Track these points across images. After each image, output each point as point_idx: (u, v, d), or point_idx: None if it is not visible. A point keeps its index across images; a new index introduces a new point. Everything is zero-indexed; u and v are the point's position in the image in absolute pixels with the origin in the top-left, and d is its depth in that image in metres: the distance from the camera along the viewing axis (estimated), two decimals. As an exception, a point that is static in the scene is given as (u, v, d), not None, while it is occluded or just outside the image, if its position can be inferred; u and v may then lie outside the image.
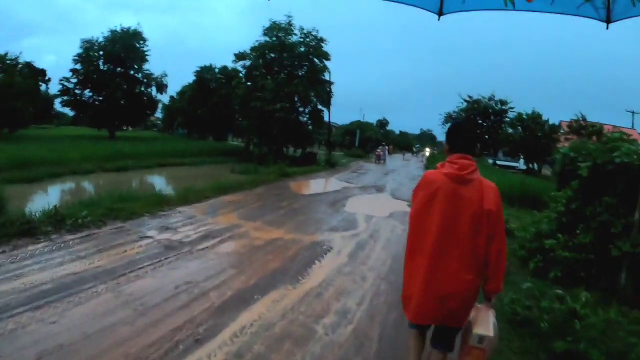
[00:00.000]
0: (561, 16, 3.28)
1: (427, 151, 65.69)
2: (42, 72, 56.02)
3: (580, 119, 31.62)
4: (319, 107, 30.73)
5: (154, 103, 43.86)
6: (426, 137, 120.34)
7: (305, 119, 30.60)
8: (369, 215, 11.29)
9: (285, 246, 7.46)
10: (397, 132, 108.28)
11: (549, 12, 3.31)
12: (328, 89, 30.18)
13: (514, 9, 3.33)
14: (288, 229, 8.75)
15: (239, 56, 29.22)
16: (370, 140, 65.05)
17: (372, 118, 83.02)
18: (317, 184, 18.64)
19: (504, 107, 45.14)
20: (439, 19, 3.51)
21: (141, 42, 40.33)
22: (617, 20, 3.24)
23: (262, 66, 28.83)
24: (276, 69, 28.66)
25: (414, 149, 76.12)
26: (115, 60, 38.75)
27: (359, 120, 70.16)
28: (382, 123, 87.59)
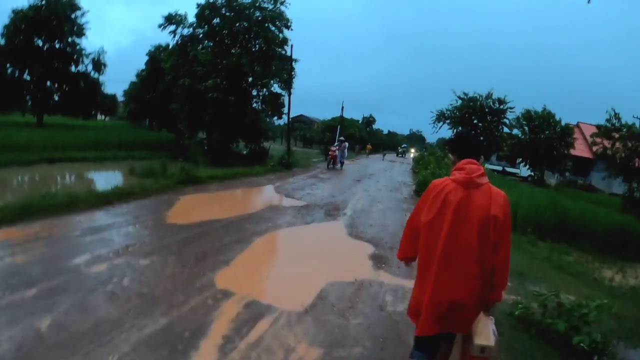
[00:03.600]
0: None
1: (413, 152, 59.47)
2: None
3: (614, 117, 24.74)
4: (278, 91, 23.77)
5: (92, 85, 36.14)
6: (415, 138, 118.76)
7: (261, 106, 23.46)
8: (254, 313, 4.48)
9: None
10: (386, 132, 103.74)
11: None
12: (289, 67, 23.08)
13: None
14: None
15: (170, 19, 21.81)
16: (352, 138, 58.81)
17: (359, 116, 77.08)
18: (230, 200, 11.84)
19: (502, 106, 39.48)
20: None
21: (77, 12, 33.39)
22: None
23: (206, 36, 21.63)
24: (227, 42, 21.34)
25: (400, 149, 68.68)
26: (45, 33, 32.04)
27: (342, 116, 63.22)
28: (369, 121, 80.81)
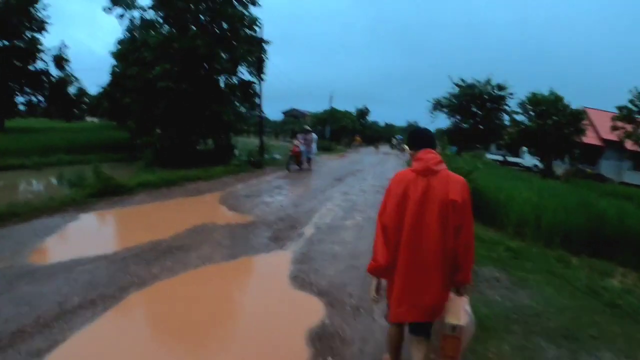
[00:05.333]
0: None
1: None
2: None
3: (638, 98, 21.49)
4: (249, 78, 20.43)
5: (58, 84, 33.38)
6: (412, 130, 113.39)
7: (231, 96, 20.09)
8: None
9: None
10: (382, 124, 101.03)
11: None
12: (259, 50, 19.76)
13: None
14: None
15: (116, 0, 18.31)
16: (345, 131, 55.64)
17: (353, 108, 73.96)
18: (145, 219, 8.63)
19: (501, 92, 37.15)
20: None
21: (36, 6, 30.27)
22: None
23: (166, 21, 18.31)
24: (193, 27, 17.95)
25: (394, 140, 64.82)
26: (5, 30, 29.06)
27: (334, 108, 60.08)
28: (363, 112, 77.40)
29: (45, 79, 32.61)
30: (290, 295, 4.92)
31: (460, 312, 2.82)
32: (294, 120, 72.03)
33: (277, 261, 6.09)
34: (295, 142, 18.95)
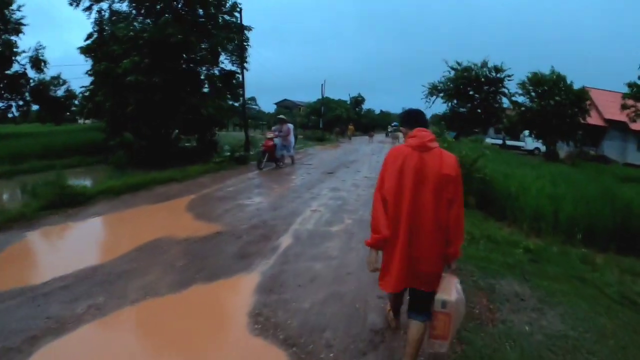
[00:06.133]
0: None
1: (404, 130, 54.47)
2: None
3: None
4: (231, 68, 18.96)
5: (38, 88, 31.83)
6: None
7: (213, 88, 18.60)
8: None
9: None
10: (378, 111, 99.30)
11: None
12: (240, 37, 18.29)
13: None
14: None
15: None
16: (340, 120, 54.17)
17: (347, 97, 72.43)
18: (92, 236, 7.42)
19: (499, 75, 35.32)
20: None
21: (11, 9, 28.60)
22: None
23: (135, 12, 16.81)
24: (168, 15, 16.38)
25: (390, 128, 62.89)
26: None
27: (327, 97, 58.57)
28: (357, 100, 75.88)
29: (24, 82, 30.99)
30: (245, 346, 3.57)
31: (451, 289, 2.89)
32: (285, 111, 70.72)
33: (238, 289, 4.74)
34: (269, 134, 16.16)
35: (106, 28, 16.67)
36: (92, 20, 17.16)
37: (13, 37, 29.30)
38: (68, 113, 44.69)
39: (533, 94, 29.28)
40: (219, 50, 17.46)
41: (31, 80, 31.44)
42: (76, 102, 43.26)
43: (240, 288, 4.75)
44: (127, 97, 15.18)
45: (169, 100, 15.29)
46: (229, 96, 19.22)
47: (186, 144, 19.65)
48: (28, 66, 30.43)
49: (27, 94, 31.65)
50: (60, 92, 44.50)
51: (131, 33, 15.21)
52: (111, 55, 15.37)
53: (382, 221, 2.92)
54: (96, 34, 17.06)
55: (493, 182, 10.16)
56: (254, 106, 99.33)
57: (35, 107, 41.86)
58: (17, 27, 29.23)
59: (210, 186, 11.19)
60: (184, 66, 16.27)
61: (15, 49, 29.33)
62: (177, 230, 6.89)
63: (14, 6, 28.72)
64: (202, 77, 18.02)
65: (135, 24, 15.97)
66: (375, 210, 3.00)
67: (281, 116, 18.57)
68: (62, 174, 11.74)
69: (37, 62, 30.57)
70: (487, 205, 10.28)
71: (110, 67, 15.14)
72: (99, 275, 4.97)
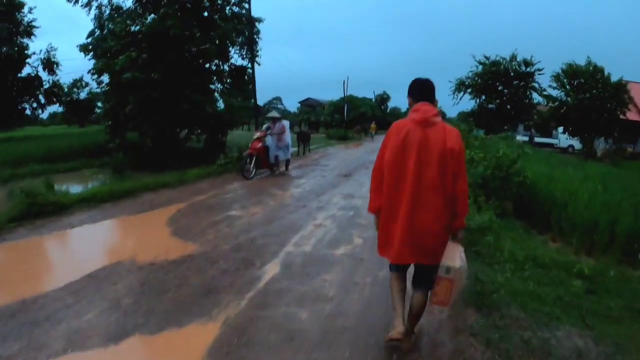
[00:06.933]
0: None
1: None
2: None
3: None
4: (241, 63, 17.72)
5: (50, 90, 31.50)
6: None
7: (223, 85, 17.40)
8: None
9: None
10: (404, 109, 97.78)
11: None
12: (250, 30, 16.99)
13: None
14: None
15: None
16: (364, 118, 52.55)
17: (372, 95, 70.79)
18: (48, 258, 6.16)
19: (529, 69, 33.42)
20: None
21: (22, 12, 28.40)
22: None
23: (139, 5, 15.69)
24: (166, 7, 15.14)
25: None
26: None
27: (351, 95, 57.22)
28: (383, 98, 74.47)
29: (37, 84, 30.57)
30: None
31: (456, 256, 2.92)
32: (309, 110, 69.70)
33: (186, 347, 3.35)
34: (257, 134, 13.10)
35: (108, 25, 15.59)
36: (92, 17, 16.16)
37: (25, 40, 29.14)
38: (94, 115, 44.63)
39: (568, 87, 27.34)
40: (227, 43, 16.13)
41: (45, 82, 30.85)
42: (99, 103, 43.25)
43: (190, 345, 3.38)
44: (127, 96, 14.06)
45: (170, 97, 14.08)
46: (239, 93, 17.94)
47: (196, 145, 18.44)
48: (40, 68, 30.04)
49: (40, 96, 30.95)
50: (83, 94, 44.52)
51: (131, 27, 14.12)
52: (109, 52, 14.30)
53: (374, 193, 3.09)
54: (98, 30, 15.99)
55: (534, 186, 8.58)
56: (279, 105, 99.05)
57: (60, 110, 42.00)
58: (28, 30, 28.97)
59: (206, 192, 9.88)
60: (187, 61, 14.95)
61: (26, 52, 29.13)
62: (144, 251, 5.62)
63: (26, 9, 28.52)
64: (209, 73, 16.75)
65: (131, 18, 14.77)
66: (371, 180, 3.14)
67: (272, 113, 14.53)
68: (50, 179, 10.79)
69: (50, 64, 30.02)
70: (526, 213, 8.74)
71: (109, 64, 14.05)
72: (27, 313, 3.87)
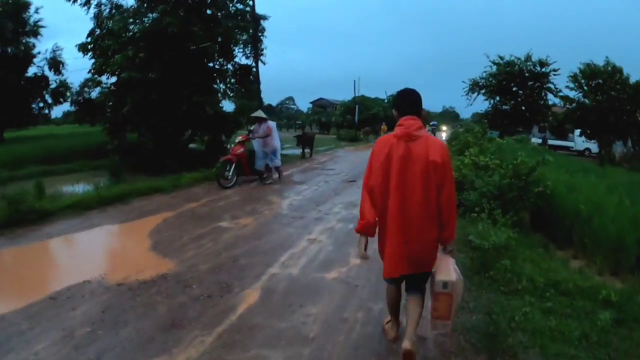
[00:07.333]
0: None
1: (445, 130, 51.86)
2: None
3: None
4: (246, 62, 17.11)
5: (56, 90, 30.86)
6: (448, 115, 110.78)
7: (226, 85, 16.78)
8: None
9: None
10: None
11: None
12: (255, 27, 16.38)
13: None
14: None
15: None
16: (376, 119, 51.79)
17: (384, 95, 69.92)
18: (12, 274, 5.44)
19: (544, 69, 32.50)
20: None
21: (28, 12, 28.35)
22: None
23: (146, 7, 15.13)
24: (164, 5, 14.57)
25: (428, 127, 60.45)
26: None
27: (363, 95, 56.53)
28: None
29: (43, 84, 30.33)
30: None
31: (450, 270, 2.97)
32: (320, 111, 69.34)
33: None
34: (239, 138, 11.76)
35: (107, 23, 15.05)
36: (91, 16, 15.62)
37: (32, 40, 29.04)
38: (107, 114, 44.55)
39: (586, 87, 26.46)
40: (230, 41, 15.51)
41: (52, 82, 30.62)
42: (111, 103, 42.83)
43: None
44: (124, 96, 13.55)
45: (168, 97, 13.52)
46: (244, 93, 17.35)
47: (201, 147, 17.87)
48: (46, 68, 29.75)
49: (47, 96, 30.71)
50: (94, 93, 44.32)
51: (130, 26, 13.61)
52: (107, 51, 13.80)
53: (367, 209, 3.02)
54: (98, 30, 15.47)
55: (554, 196, 7.84)
56: (292, 106, 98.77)
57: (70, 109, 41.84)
58: (34, 30, 28.82)
59: (200, 199, 9.28)
60: (187, 60, 14.35)
61: (32, 52, 28.98)
62: (117, 268, 5.11)
63: (32, 9, 28.39)
64: (212, 72, 16.16)
65: (133, 16, 14.23)
66: (362, 197, 3.08)
67: (257, 113, 12.22)
68: (41, 182, 10.32)
69: (55, 64, 29.66)
70: (543, 224, 8.02)
71: (106, 64, 13.55)
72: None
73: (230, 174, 10.82)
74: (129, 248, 6.07)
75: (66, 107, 36.07)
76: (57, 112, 50.46)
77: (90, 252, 6.08)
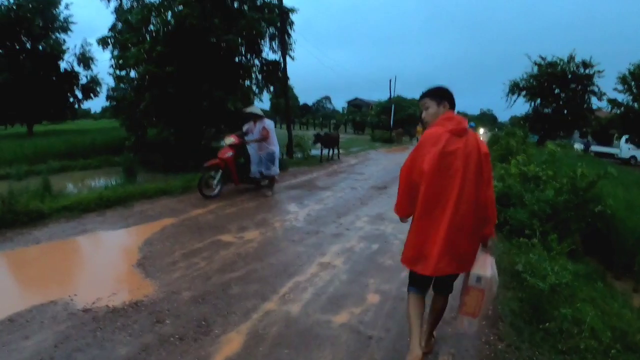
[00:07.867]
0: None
1: (482, 131, 50.46)
2: None
3: None
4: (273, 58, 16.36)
5: (88, 87, 31.58)
6: (486, 118, 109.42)
7: (252, 81, 16.10)
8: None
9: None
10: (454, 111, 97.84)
11: None
12: (283, 20, 15.57)
13: None
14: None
15: None
16: (412, 120, 50.46)
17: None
18: None
19: (588, 71, 31.18)
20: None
21: (58, 8, 29.07)
22: None
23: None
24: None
25: None
26: (25, 32, 27.66)
27: (400, 96, 55.23)
28: (432, 101, 72.26)
29: (74, 79, 30.91)
30: None
31: (487, 266, 2.81)
32: (355, 110, 68.64)
33: None
34: (227, 139, 9.64)
35: (127, 16, 14.51)
36: (112, 9, 15.17)
37: (62, 36, 29.62)
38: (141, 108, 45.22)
39: (635, 90, 24.78)
40: (255, 35, 14.67)
41: (82, 77, 30.92)
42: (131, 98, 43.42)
43: None
44: (142, 91, 12.98)
45: (187, 93, 12.85)
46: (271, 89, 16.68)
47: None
48: (75, 64, 30.24)
49: (77, 91, 31.01)
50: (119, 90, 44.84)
51: (150, 18, 13.05)
52: (126, 45, 13.27)
53: (406, 203, 2.92)
54: (119, 23, 14.97)
55: (614, 216, 6.69)
56: (328, 105, 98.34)
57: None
58: (64, 26, 29.42)
59: (207, 205, 8.42)
60: (208, 54, 13.60)
61: (62, 47, 29.42)
62: (90, 288, 4.41)
63: (62, 5, 29.09)
64: (237, 67, 15.40)
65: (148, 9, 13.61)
66: (400, 189, 2.95)
67: (252, 109, 10.08)
68: (47, 180, 9.88)
69: (85, 60, 30.04)
70: (597, 248, 6.89)
71: (124, 58, 13.02)
72: None
73: (216, 182, 9.16)
74: (112, 263, 5.26)
75: (103, 101, 36.63)
76: (96, 106, 51.28)
77: (70, 265, 5.31)
